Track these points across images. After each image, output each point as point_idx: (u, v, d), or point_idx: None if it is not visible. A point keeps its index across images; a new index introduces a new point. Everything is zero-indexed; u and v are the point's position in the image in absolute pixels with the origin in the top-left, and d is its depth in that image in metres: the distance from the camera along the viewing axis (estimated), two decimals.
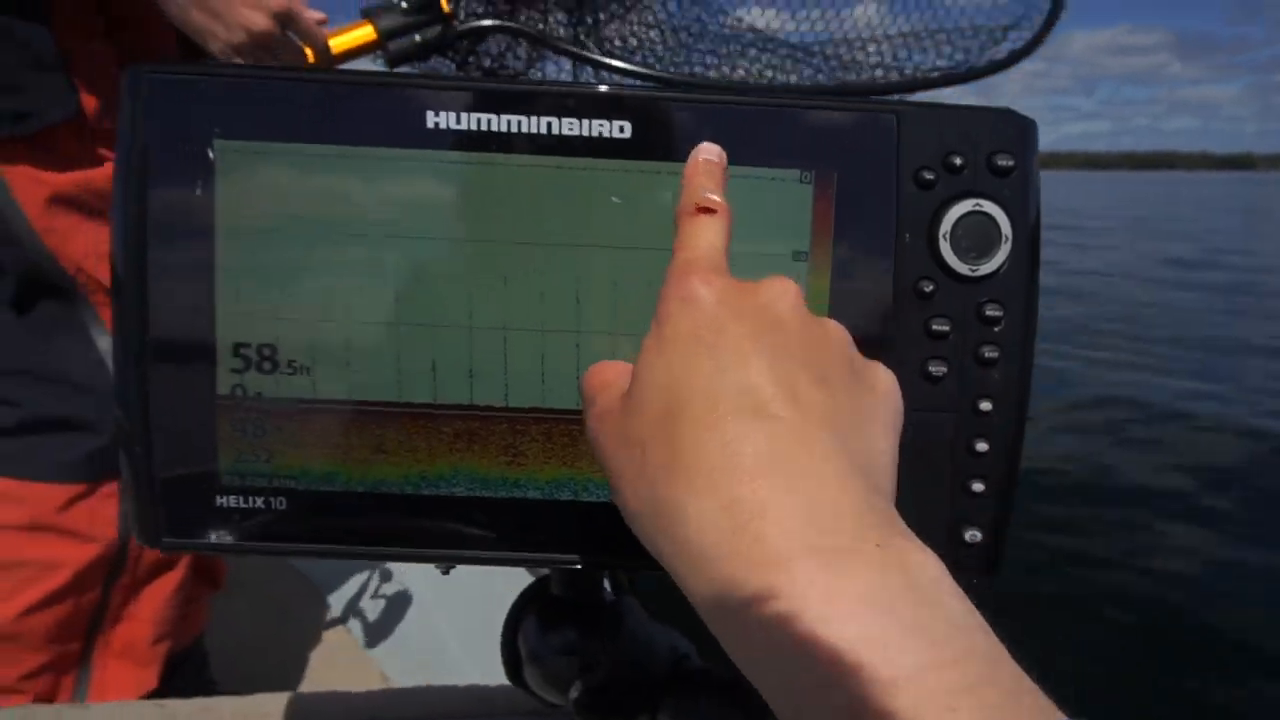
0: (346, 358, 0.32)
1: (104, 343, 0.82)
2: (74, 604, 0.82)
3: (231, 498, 0.33)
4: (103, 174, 0.79)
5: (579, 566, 0.33)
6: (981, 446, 0.31)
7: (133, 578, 0.86)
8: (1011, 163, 0.31)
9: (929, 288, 0.31)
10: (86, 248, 0.78)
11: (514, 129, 0.31)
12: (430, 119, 0.31)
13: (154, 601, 0.88)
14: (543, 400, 0.32)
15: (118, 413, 0.32)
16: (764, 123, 0.31)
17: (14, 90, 0.73)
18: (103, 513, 0.82)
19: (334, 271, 0.32)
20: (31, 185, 0.76)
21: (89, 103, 0.77)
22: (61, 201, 0.77)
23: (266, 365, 0.32)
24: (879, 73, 0.67)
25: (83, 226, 0.78)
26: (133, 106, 0.31)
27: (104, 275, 0.79)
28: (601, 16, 0.67)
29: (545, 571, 0.40)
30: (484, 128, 0.31)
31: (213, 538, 0.33)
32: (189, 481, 0.32)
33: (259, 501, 0.33)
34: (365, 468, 0.32)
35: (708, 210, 0.26)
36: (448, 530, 0.33)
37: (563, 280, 0.32)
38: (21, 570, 0.81)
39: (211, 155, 0.31)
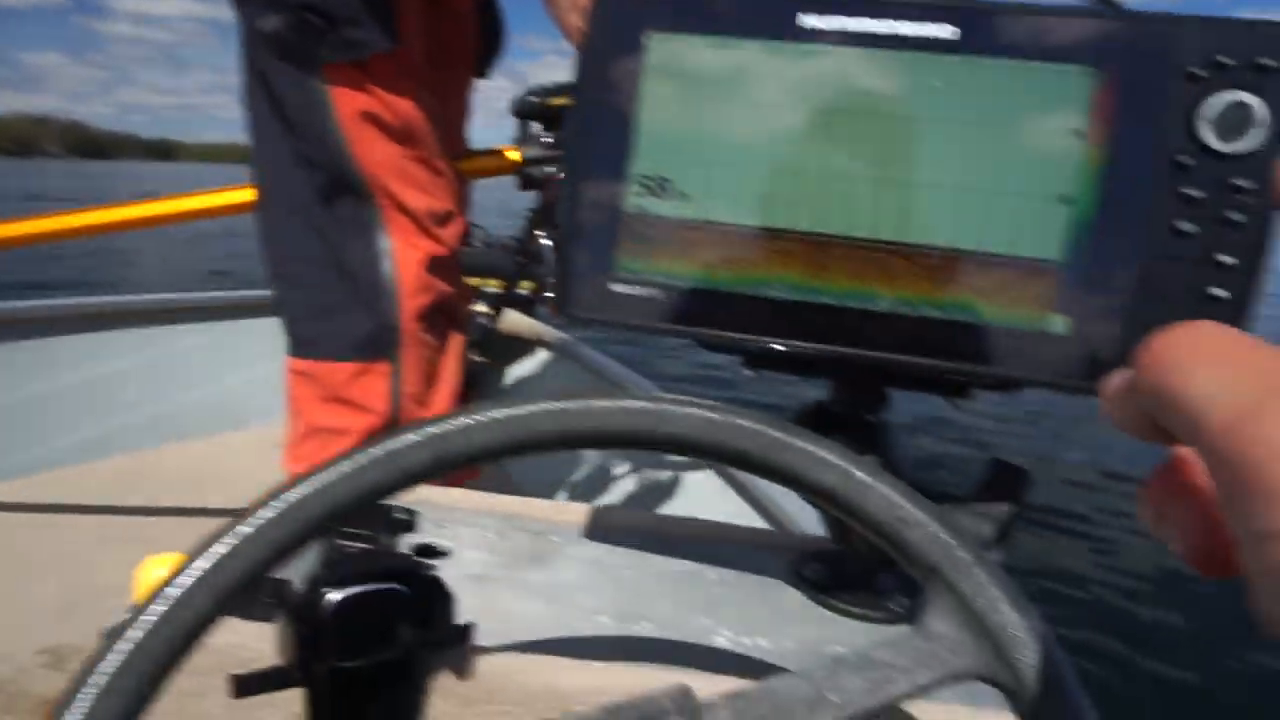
0: (721, 189, 0.44)
1: (382, 242, 0.99)
2: None
3: (622, 285, 0.46)
4: (404, 102, 0.97)
5: (873, 354, 0.43)
6: (1219, 293, 0.39)
7: None
8: (1274, 63, 0.38)
9: (1188, 161, 0.39)
10: (382, 160, 0.96)
11: (872, 29, 0.42)
12: (803, 19, 0.43)
13: None
14: (849, 230, 0.43)
15: (558, 216, 0.46)
16: (1059, 26, 0.41)
17: (353, 23, 0.92)
18: (376, 388, 1.01)
19: (719, 126, 0.44)
20: (348, 102, 0.94)
21: (404, 40, 0.96)
22: (369, 118, 0.95)
23: (660, 191, 0.45)
24: None
25: (381, 142, 0.96)
26: (598, 6, 0.45)
27: (393, 184, 0.97)
28: None
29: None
30: (852, 28, 0.43)
31: (606, 313, 0.46)
32: (595, 271, 0.46)
33: (640, 290, 0.45)
34: (718, 272, 0.44)
35: None
36: (766, 322, 0.44)
37: (890, 144, 0.42)
38: (320, 435, 1.01)
39: (642, 40, 0.44)
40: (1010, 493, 0.47)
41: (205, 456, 1.74)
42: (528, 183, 1.27)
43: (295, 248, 0.99)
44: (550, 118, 1.28)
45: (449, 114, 1.10)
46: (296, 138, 0.96)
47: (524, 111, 1.30)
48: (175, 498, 1.63)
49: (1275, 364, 0.16)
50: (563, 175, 0.46)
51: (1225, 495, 0.16)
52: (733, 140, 0.44)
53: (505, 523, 0.59)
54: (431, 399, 1.05)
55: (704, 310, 0.45)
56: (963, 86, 0.41)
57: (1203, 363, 0.17)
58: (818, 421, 0.50)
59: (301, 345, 1.02)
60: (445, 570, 0.54)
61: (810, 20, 0.43)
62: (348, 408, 1.01)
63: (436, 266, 1.02)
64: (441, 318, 1.05)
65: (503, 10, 1.22)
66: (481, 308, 1.79)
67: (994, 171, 0.41)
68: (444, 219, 1.03)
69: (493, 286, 1.85)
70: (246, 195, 1.14)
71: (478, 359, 1.69)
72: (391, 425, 1.01)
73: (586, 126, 0.45)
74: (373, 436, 0.29)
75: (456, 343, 1.09)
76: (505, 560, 0.55)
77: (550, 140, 1.26)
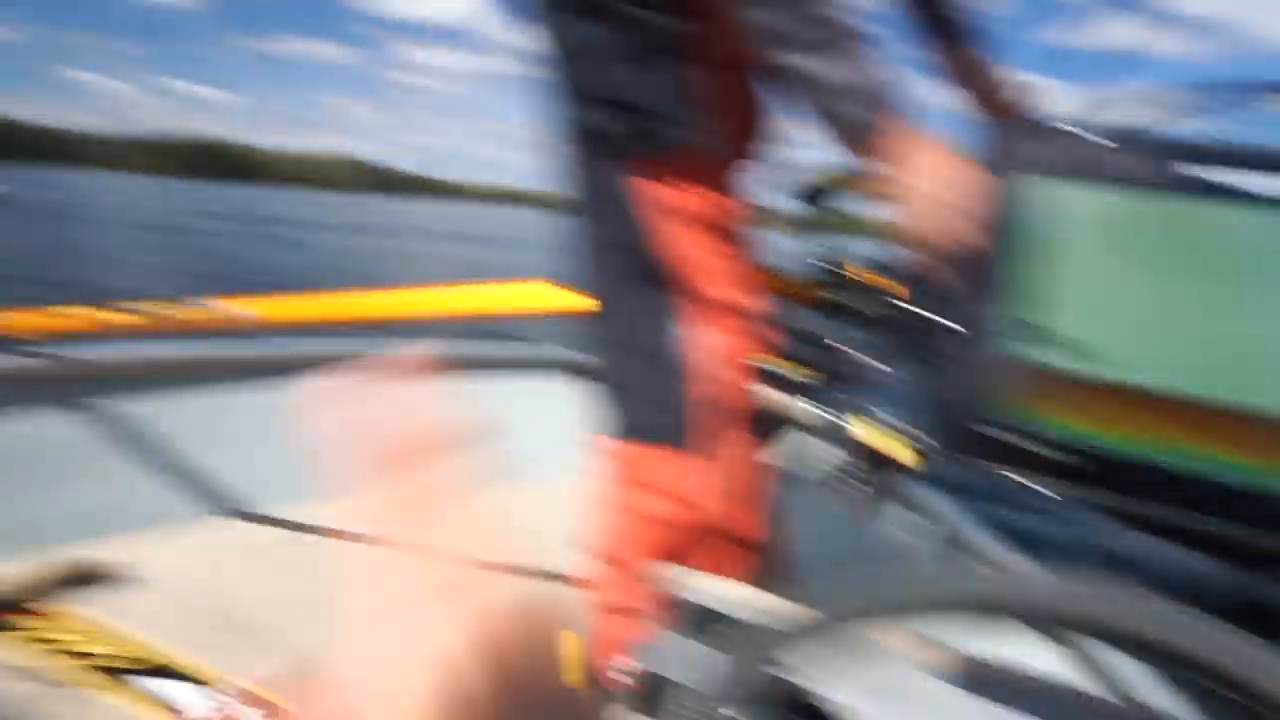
0: (1098, 344, 0.45)
1: (680, 331, 1.02)
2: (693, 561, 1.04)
3: (994, 429, 0.47)
4: (702, 195, 1.01)
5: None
6: None
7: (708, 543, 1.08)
8: None
9: None
10: (683, 252, 1.02)
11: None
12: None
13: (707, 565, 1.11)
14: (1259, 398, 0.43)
15: (942, 370, 0.48)
16: None
17: (664, 119, 0.97)
18: (677, 474, 1.04)
19: (1100, 283, 0.45)
20: (652, 194, 0.99)
21: (706, 133, 1.00)
22: (670, 211, 1.00)
23: (1038, 340, 0.46)
24: None
25: (682, 234, 1.01)
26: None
27: (689, 275, 1.02)
28: None
29: None
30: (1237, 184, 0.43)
31: (977, 453, 0.48)
32: (970, 412, 0.48)
33: (1012, 436, 0.47)
34: (1094, 428, 0.46)
35: None
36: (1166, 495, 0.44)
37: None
38: (626, 514, 1.07)
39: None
40: None
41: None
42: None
43: (607, 326, 1.06)
44: (821, 194, 1.27)
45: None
46: (604, 220, 1.03)
47: (803, 194, 1.26)
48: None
49: None
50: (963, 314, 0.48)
51: None
52: (1132, 296, 0.45)
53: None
54: (726, 490, 1.09)
55: (1075, 467, 0.46)
56: None
57: None
58: (1251, 618, 0.49)
59: (626, 429, 1.07)
60: None
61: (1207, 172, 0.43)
62: (653, 492, 1.05)
63: (734, 358, 1.06)
64: (734, 411, 1.08)
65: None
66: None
67: None
68: (746, 312, 1.07)
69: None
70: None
71: None
72: (695, 513, 1.04)
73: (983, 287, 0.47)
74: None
75: (745, 438, 1.11)
76: None
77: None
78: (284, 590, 1.44)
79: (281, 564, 1.53)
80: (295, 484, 1.22)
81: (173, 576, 1.42)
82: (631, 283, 1.04)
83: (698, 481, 1.05)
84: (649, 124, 0.98)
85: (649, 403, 1.05)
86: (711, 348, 1.04)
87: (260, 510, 1.69)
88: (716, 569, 1.08)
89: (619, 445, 1.06)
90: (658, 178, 1.01)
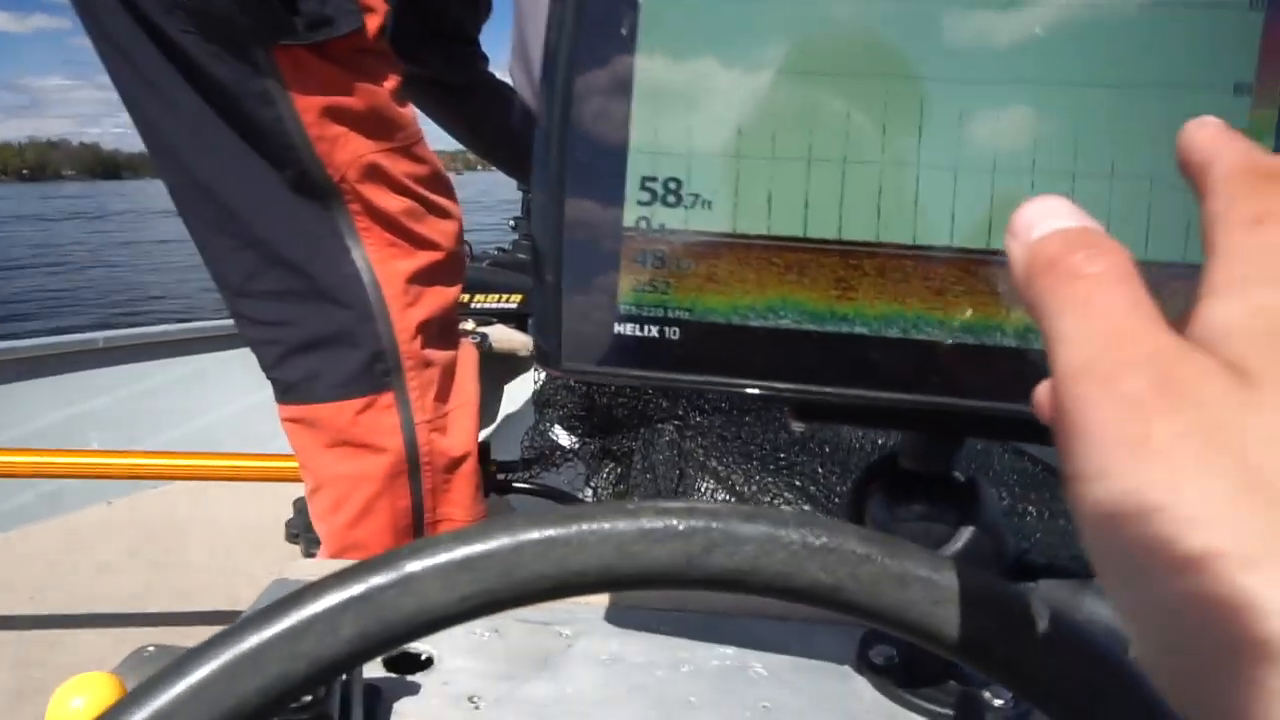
0: (752, 192, 0.33)
1: (358, 256, 0.86)
2: (391, 510, 0.90)
3: (629, 326, 0.35)
4: (372, 90, 0.84)
5: (908, 396, 0.32)
6: None
7: (434, 478, 0.92)
8: None
9: None
10: (351, 158, 0.83)
11: None
12: None
13: (463, 495, 0.94)
14: (926, 238, 0.32)
15: (533, 240, 0.35)
16: None
17: (317, 0, 0.78)
18: (386, 422, 0.89)
19: (740, 106, 0.33)
20: (311, 94, 0.81)
21: (371, 22, 0.82)
22: (333, 112, 0.82)
23: (671, 199, 0.34)
24: None
25: (349, 137, 0.83)
26: None
27: (364, 187, 0.84)
28: None
29: (893, 444, 0.39)
30: None
31: (609, 363, 0.35)
32: (591, 308, 0.35)
33: (653, 331, 0.34)
34: (751, 300, 0.33)
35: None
36: (815, 365, 0.33)
37: (981, 118, 0.31)
38: (338, 485, 0.90)
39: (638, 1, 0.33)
40: None
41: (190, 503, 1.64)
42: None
43: (255, 273, 0.86)
44: None
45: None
46: (243, 137, 0.83)
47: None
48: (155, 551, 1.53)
49: (1131, 326, 0.16)
50: (536, 188, 0.35)
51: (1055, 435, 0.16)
52: (756, 122, 0.33)
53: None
54: (451, 424, 0.93)
55: (735, 353, 0.34)
56: (1079, 37, 0.30)
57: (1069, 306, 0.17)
58: (893, 482, 0.39)
59: (289, 390, 0.90)
60: (428, 687, 0.43)
61: None
62: (358, 449, 0.89)
63: (427, 274, 0.90)
64: (444, 331, 0.93)
65: None
66: (469, 325, 1.68)
67: (1126, 150, 0.30)
68: (430, 217, 0.90)
69: (481, 301, 1.73)
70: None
71: None
72: (410, 461, 0.90)
73: (566, 114, 0.34)
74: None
75: (468, 356, 0.97)
76: (502, 668, 0.44)
77: None
78: None
79: None
80: None
81: None
82: (285, 209, 0.84)
83: (411, 421, 0.90)
84: (297, 4, 0.79)
85: (330, 349, 0.88)
86: (396, 268, 0.88)
87: None
88: (463, 504, 0.95)
89: (305, 409, 0.89)
90: (310, 71, 0.81)
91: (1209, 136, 0.18)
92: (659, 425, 1.26)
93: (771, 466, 1.13)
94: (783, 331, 0.33)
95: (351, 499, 0.87)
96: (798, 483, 1.10)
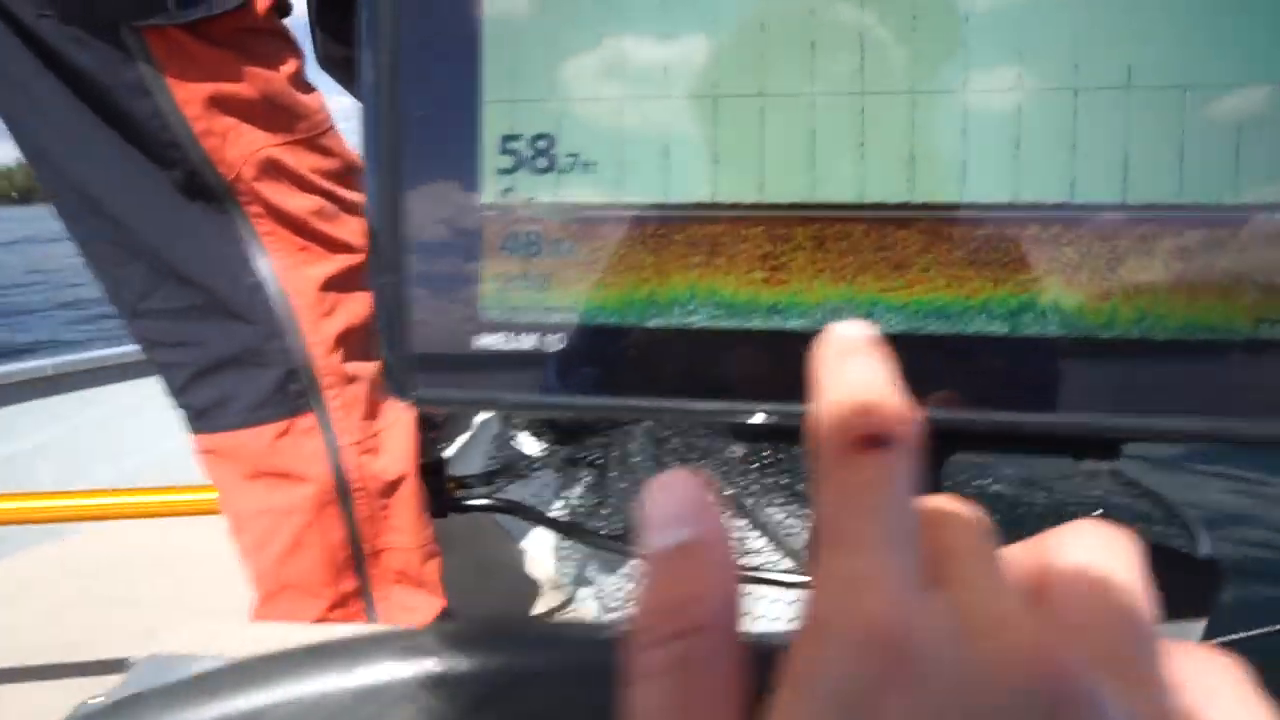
0: (646, 148, 0.25)
1: (261, 265, 0.78)
2: (323, 543, 0.81)
3: (493, 338, 0.26)
4: (266, 75, 0.75)
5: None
6: None
7: (369, 505, 0.84)
8: None
9: None
10: (245, 154, 0.75)
11: None
12: None
13: (404, 520, 0.86)
14: (860, 194, 0.23)
15: (371, 236, 0.26)
16: None
17: None
18: (307, 447, 0.81)
19: (626, 30, 0.24)
20: (192, 81, 0.72)
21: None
22: (221, 102, 0.73)
23: (541, 162, 0.25)
24: None
25: (241, 130, 0.74)
26: None
27: (263, 185, 0.76)
28: None
29: None
30: None
31: (473, 386, 0.26)
32: (447, 315, 0.26)
33: (529, 341, 0.26)
34: (656, 291, 0.25)
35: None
36: (745, 375, 0.24)
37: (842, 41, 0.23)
38: (261, 520, 0.81)
39: None
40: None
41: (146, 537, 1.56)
42: None
43: (148, 290, 0.77)
44: None
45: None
46: (119, 135, 0.73)
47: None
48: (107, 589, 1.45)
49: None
50: (367, 167, 0.26)
51: None
52: (650, 62, 0.24)
53: None
54: (383, 444, 0.84)
55: (637, 365, 0.25)
56: None
57: None
58: None
59: (199, 416, 0.81)
60: None
61: None
62: (280, 479, 0.80)
63: (344, 279, 0.80)
64: (369, 342, 0.84)
65: None
66: None
67: (1115, 66, 0.22)
68: (344, 216, 0.80)
69: None
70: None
71: None
72: (339, 488, 0.81)
73: (394, 64, 0.26)
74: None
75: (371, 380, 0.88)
76: None
77: None
78: None
79: None
80: None
81: None
82: (173, 215, 0.75)
83: (334, 445, 0.81)
84: None
85: (238, 370, 0.79)
86: (305, 274, 0.79)
87: None
88: (406, 525, 0.86)
89: (218, 438, 0.80)
90: (189, 56, 0.71)
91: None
92: (633, 427, 1.18)
93: (756, 465, 1.06)
94: (695, 332, 0.25)
95: (278, 534, 0.79)
96: (784, 481, 1.02)
